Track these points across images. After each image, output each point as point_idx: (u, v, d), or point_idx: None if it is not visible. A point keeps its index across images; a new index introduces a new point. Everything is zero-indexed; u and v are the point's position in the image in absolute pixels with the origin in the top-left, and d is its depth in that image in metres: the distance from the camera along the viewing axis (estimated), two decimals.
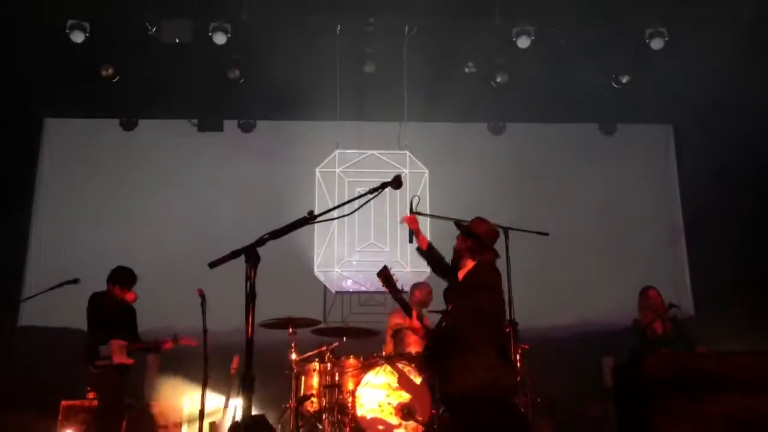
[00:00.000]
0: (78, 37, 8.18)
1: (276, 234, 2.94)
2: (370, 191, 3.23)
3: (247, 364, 2.76)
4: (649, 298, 6.78)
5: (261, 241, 2.89)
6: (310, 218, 3.08)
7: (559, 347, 8.34)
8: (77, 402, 6.83)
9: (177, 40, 8.27)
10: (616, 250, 9.17)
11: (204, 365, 5.95)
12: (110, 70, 8.71)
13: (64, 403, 6.84)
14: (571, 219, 9.16)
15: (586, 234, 9.20)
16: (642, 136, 9.94)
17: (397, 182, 3.32)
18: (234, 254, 2.79)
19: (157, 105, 9.29)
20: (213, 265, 2.86)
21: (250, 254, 2.85)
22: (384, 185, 3.26)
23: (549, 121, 9.76)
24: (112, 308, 6.43)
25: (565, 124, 9.82)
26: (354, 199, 3.28)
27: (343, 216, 3.05)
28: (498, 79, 8.92)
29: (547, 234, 6.02)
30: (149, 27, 8.27)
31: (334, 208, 3.18)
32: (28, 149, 9.41)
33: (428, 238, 9.04)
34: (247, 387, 2.82)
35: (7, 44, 8.12)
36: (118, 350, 6.27)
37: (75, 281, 6.30)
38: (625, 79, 8.86)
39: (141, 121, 9.63)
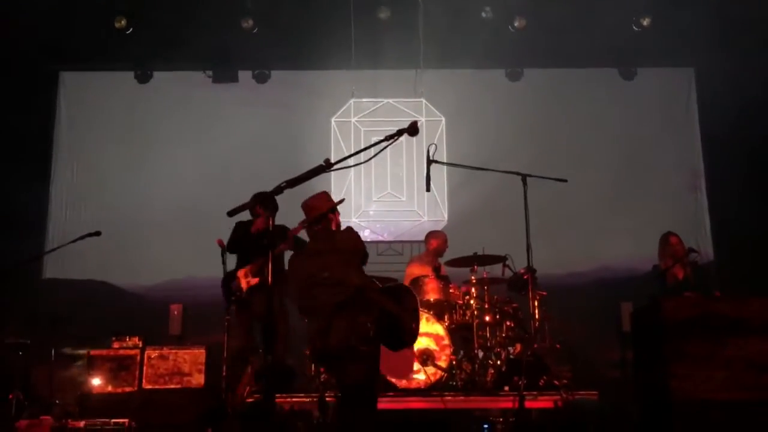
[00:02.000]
0: None
1: (292, 182, 2.94)
2: (386, 138, 3.20)
3: (269, 311, 2.78)
4: (669, 244, 6.75)
5: (278, 189, 2.89)
6: (327, 166, 3.07)
7: (577, 294, 8.37)
8: (103, 351, 6.98)
9: None
10: (635, 196, 9.09)
11: (226, 314, 6.09)
12: (123, 21, 8.66)
13: (90, 352, 6.99)
14: (590, 165, 9.07)
15: (605, 180, 9.12)
16: (663, 80, 9.73)
17: (413, 129, 3.26)
18: (252, 201, 2.79)
19: (172, 57, 9.24)
20: (232, 213, 2.87)
21: (268, 202, 2.85)
22: (400, 132, 3.23)
23: (568, 67, 9.58)
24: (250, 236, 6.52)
25: (584, 69, 9.63)
26: (370, 147, 3.25)
27: (359, 164, 3.03)
28: (515, 24, 8.75)
29: (565, 180, 5.95)
30: None
31: (350, 156, 3.16)
32: (45, 103, 9.42)
33: (445, 186, 9.18)
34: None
35: None
36: (243, 277, 6.40)
37: (96, 234, 6.35)
38: (645, 22, 8.65)
39: (156, 74, 9.59)
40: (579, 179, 7.57)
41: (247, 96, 9.55)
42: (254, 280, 6.36)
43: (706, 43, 8.55)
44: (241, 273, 6.46)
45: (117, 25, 8.65)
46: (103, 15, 8.59)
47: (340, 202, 7.47)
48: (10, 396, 6.58)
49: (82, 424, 6.21)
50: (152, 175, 9.24)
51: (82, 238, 6.26)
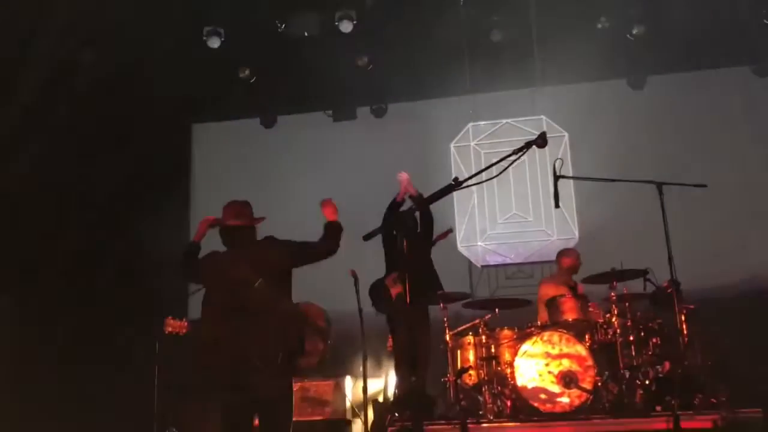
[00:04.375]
0: (214, 43, 8.61)
1: (422, 203, 2.94)
2: (514, 152, 3.14)
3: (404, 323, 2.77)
4: None
5: (410, 211, 2.90)
6: (456, 185, 3.05)
7: (727, 306, 7.80)
8: None
9: (305, 34, 8.49)
10: None
11: (363, 344, 6.12)
12: (247, 71, 9.14)
13: None
14: (728, 169, 8.54)
15: (748, 182, 8.55)
16: None
17: (542, 140, 3.17)
18: (386, 225, 2.81)
19: (293, 100, 9.63)
20: (367, 237, 2.91)
21: (400, 224, 2.87)
22: (528, 144, 3.16)
23: (693, 69, 9.14)
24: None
25: (712, 70, 9.15)
26: (498, 162, 3.19)
27: (490, 179, 2.96)
28: (634, 31, 8.47)
29: (705, 186, 5.63)
30: (278, 24, 8.56)
31: (480, 172, 3.11)
32: (181, 155, 10.03)
33: (573, 202, 8.92)
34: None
35: (151, 58, 8.66)
36: (391, 284, 6.44)
37: None
38: None
39: (279, 117, 10.00)
40: (718, 184, 7.11)
41: (366, 131, 9.76)
42: (398, 289, 6.28)
43: None
44: (389, 280, 6.39)
45: (241, 75, 9.15)
46: (227, 67, 9.08)
47: (449, 232, 7.51)
48: None
49: None
50: (283, 215, 9.50)
51: None
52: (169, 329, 7.00)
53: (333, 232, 4.63)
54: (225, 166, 9.97)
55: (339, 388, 7.11)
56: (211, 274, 4.43)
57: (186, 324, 7.14)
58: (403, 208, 6.77)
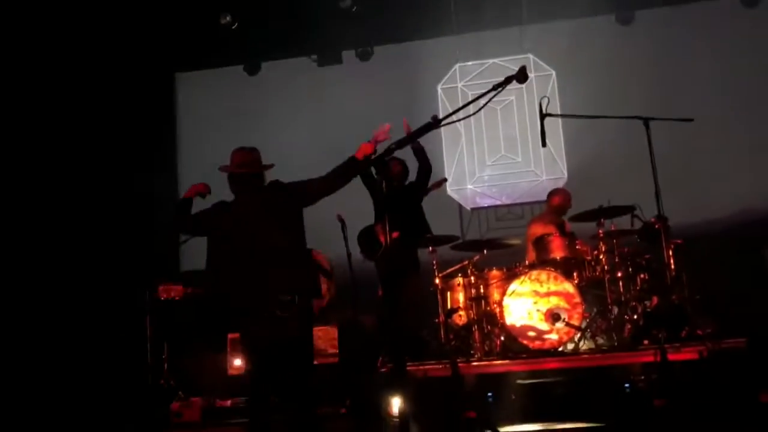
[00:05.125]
0: None
1: (401, 142, 2.91)
2: (494, 87, 3.08)
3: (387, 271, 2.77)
4: None
5: (389, 151, 2.86)
6: (435, 123, 3.00)
7: (714, 241, 7.87)
8: None
9: None
10: None
11: (353, 289, 6.16)
12: (228, 18, 8.96)
13: (230, 335, 7.31)
14: (717, 103, 8.49)
15: (735, 116, 8.51)
16: None
17: (522, 74, 3.10)
18: (369, 163, 2.77)
19: (277, 46, 9.47)
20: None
21: (380, 165, 2.84)
22: (508, 80, 3.10)
23: (682, 2, 8.99)
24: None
25: (701, 2, 9.00)
26: (478, 98, 3.14)
27: (469, 116, 2.92)
28: None
29: (691, 120, 5.59)
30: None
31: (459, 109, 3.06)
32: (165, 105, 9.90)
33: (561, 141, 8.88)
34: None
35: (131, 7, 8.48)
36: (381, 231, 6.30)
37: None
38: None
39: (263, 64, 9.84)
40: (705, 118, 7.09)
41: (352, 75, 9.62)
42: (394, 234, 5.95)
43: None
44: (379, 227, 6.28)
45: (223, 21, 8.97)
46: (208, 13, 8.89)
47: (443, 181, 7.47)
48: (161, 381, 7.02)
49: (228, 403, 6.55)
50: (268, 160, 9.49)
51: None
52: (164, 295, 7.05)
53: (347, 169, 4.49)
54: (210, 114, 9.85)
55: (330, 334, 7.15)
56: (223, 223, 4.41)
57: (181, 288, 7.21)
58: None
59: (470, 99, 9.18)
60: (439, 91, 9.40)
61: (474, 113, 3.14)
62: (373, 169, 5.53)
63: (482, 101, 3.01)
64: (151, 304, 7.29)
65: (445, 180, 7.72)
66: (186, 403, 6.36)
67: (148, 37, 8.95)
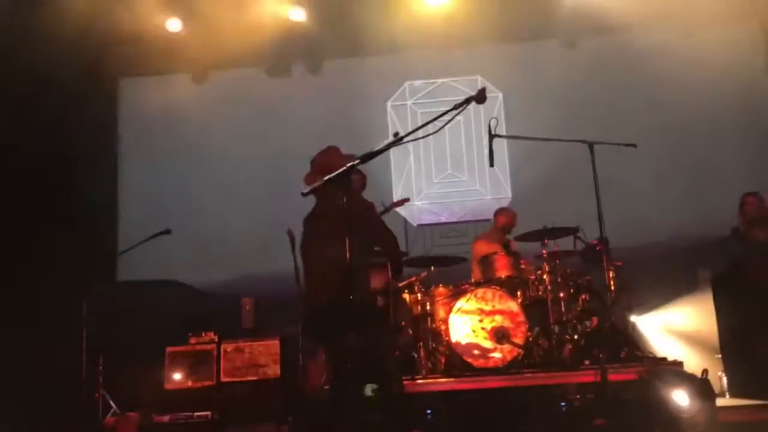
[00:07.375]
0: None
1: (366, 157, 2.90)
2: (454, 107, 3.12)
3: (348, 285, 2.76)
4: (748, 205, 6.49)
5: (352, 166, 2.85)
6: (397, 139, 3.02)
7: (652, 262, 8.10)
8: (181, 348, 7.13)
9: None
10: (708, 159, 8.75)
11: (298, 304, 6.08)
12: (177, 24, 8.81)
13: (169, 349, 7.14)
14: (658, 129, 8.77)
15: (674, 144, 8.81)
16: (728, 35, 9.29)
17: (480, 96, 3.17)
18: (327, 181, 2.77)
19: (225, 55, 9.33)
20: (306, 194, 2.85)
21: (343, 180, 2.83)
22: (468, 100, 3.14)
23: (626, 28, 9.25)
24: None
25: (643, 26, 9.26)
26: (437, 118, 3.17)
27: (428, 135, 2.93)
28: None
29: (634, 146, 5.76)
30: None
31: (419, 128, 3.09)
32: (108, 110, 9.65)
33: (506, 162, 9.02)
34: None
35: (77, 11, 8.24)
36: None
37: (167, 232, 6.48)
38: None
39: (212, 73, 9.70)
40: (647, 145, 7.28)
41: (301, 88, 9.59)
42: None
43: None
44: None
45: (170, 28, 8.81)
46: (156, 19, 8.72)
47: (405, 200, 7.52)
48: (96, 395, 6.78)
49: (166, 418, 6.38)
50: (212, 173, 9.38)
51: (153, 237, 6.39)
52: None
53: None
54: (153, 120, 9.65)
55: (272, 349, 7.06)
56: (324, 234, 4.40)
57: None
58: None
59: (419, 117, 9.36)
60: (389, 107, 9.45)
61: (433, 133, 3.17)
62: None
63: (445, 119, 3.03)
64: (86, 313, 7.04)
65: (408, 200, 7.78)
66: (121, 417, 6.17)
67: (93, 41, 8.71)
